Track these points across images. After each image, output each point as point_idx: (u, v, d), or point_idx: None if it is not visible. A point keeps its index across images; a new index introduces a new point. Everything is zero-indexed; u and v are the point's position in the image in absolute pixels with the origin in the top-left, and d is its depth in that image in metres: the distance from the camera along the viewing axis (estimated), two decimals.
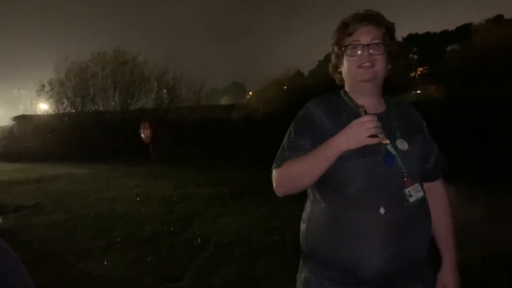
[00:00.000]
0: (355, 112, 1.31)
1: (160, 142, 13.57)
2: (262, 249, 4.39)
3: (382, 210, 1.29)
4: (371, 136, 1.24)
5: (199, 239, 4.82)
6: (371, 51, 1.36)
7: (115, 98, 17.42)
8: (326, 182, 1.37)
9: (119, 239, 4.99)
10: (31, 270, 3.64)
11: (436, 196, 1.53)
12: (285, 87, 17.35)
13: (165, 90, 18.24)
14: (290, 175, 1.39)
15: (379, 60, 1.37)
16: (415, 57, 49.14)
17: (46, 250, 4.80)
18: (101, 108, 17.52)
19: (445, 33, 51.81)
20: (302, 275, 1.50)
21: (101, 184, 9.29)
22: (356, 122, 1.25)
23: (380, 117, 1.31)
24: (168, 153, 13.26)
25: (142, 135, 13.63)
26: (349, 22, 1.40)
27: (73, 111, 17.47)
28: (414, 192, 1.34)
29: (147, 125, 13.50)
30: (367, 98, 1.42)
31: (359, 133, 1.24)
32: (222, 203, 6.65)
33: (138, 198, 7.41)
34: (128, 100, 17.52)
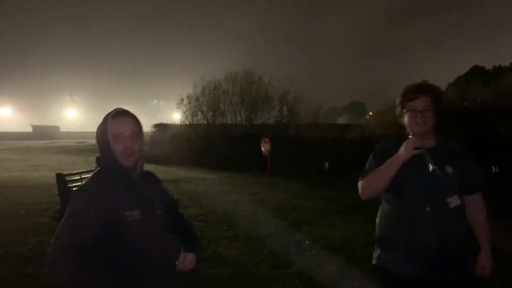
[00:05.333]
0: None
1: (278, 156, 14.73)
2: (361, 257, 5.02)
3: (428, 209, 2.01)
4: (416, 148, 1.99)
5: (307, 241, 5.65)
6: (424, 115, 2.03)
7: (241, 114, 19.30)
8: (390, 190, 2.10)
9: (241, 233, 6.08)
10: None
11: (475, 203, 2.15)
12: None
13: (285, 108, 19.53)
14: (369, 184, 2.14)
15: (429, 120, 2.05)
16: None
17: None
18: (228, 122, 19.51)
19: None
20: (376, 253, 2.23)
21: (226, 188, 10.71)
22: (406, 141, 2.04)
23: (430, 150, 2.03)
24: (284, 167, 14.33)
25: (262, 149, 14.98)
26: (410, 91, 2.09)
27: (205, 123, 19.74)
28: (453, 201, 2.02)
29: (267, 140, 14.83)
30: (421, 139, 2.06)
31: (408, 146, 2.01)
32: (330, 216, 7.37)
33: (256, 203, 8.52)
34: (252, 116, 19.24)
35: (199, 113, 19.86)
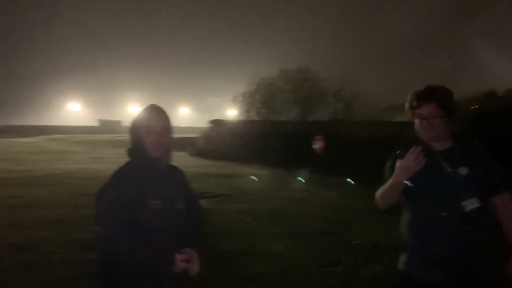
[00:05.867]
0: (428, 152, 1.99)
1: (331, 154, 14.55)
2: None
3: (444, 214, 1.96)
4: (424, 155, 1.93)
5: (355, 241, 5.59)
6: (430, 122, 1.98)
7: (295, 111, 19.31)
8: (406, 196, 2.10)
9: (289, 230, 6.13)
10: (221, 241, 5.11)
11: (502, 205, 2.03)
12: (472, 108, 16.29)
13: (340, 105, 19.26)
14: (381, 197, 2.21)
15: (436, 126, 1.99)
16: None
17: (234, 229, 6.24)
18: (281, 119, 19.58)
19: None
20: (401, 258, 2.25)
21: (277, 185, 10.80)
22: (405, 156, 1.97)
23: (443, 152, 2.01)
24: (337, 165, 14.13)
25: (315, 146, 14.89)
26: (414, 98, 2.04)
27: (258, 119, 19.96)
28: (469, 204, 1.94)
29: (320, 138, 14.71)
30: (434, 143, 2.04)
31: (409, 162, 1.95)
32: (380, 216, 7.17)
33: (306, 201, 8.52)
34: (306, 113, 19.17)
35: (253, 110, 20.13)
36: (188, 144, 23.43)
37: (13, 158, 17.96)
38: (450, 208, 1.97)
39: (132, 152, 2.03)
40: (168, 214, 1.95)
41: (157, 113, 2.01)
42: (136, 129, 2.00)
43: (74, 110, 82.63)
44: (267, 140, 17.56)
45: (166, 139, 1.98)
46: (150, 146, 1.95)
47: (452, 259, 1.97)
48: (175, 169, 2.18)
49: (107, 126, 62.04)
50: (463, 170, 1.97)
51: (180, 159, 18.90)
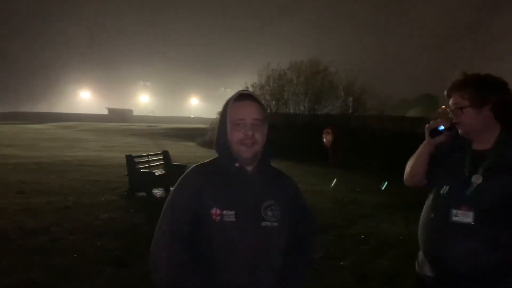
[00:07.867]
0: (462, 148, 1.82)
1: (340, 147, 14.52)
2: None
3: (431, 215, 1.78)
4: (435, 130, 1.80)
5: (363, 236, 5.58)
6: (454, 113, 1.77)
7: (305, 104, 19.26)
8: (429, 187, 1.90)
9: None
10: None
11: None
12: None
13: (351, 99, 19.16)
14: (408, 165, 1.98)
15: (464, 118, 1.74)
16: None
17: None
18: (291, 111, 19.54)
19: None
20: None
21: None
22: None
23: (477, 153, 1.75)
24: (346, 159, 14.11)
25: (324, 140, 14.85)
26: (447, 87, 1.82)
27: (268, 111, 19.94)
28: (460, 215, 1.67)
29: (329, 131, 14.66)
30: (474, 140, 1.80)
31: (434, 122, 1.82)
32: (389, 211, 7.20)
33: (314, 194, 8.51)
34: (316, 106, 19.13)
35: (263, 101, 20.11)
36: (197, 134, 23.51)
37: (24, 144, 18.20)
38: (440, 212, 1.75)
39: (217, 149, 1.58)
40: (243, 231, 1.45)
41: (248, 101, 1.55)
42: (221, 122, 1.56)
43: (84, 98, 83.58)
44: (276, 132, 17.55)
45: (260, 134, 1.52)
46: (238, 143, 1.51)
47: (437, 266, 1.76)
48: (278, 176, 1.67)
49: (116, 115, 62.32)
50: (477, 179, 1.70)
51: (189, 149, 19.03)
